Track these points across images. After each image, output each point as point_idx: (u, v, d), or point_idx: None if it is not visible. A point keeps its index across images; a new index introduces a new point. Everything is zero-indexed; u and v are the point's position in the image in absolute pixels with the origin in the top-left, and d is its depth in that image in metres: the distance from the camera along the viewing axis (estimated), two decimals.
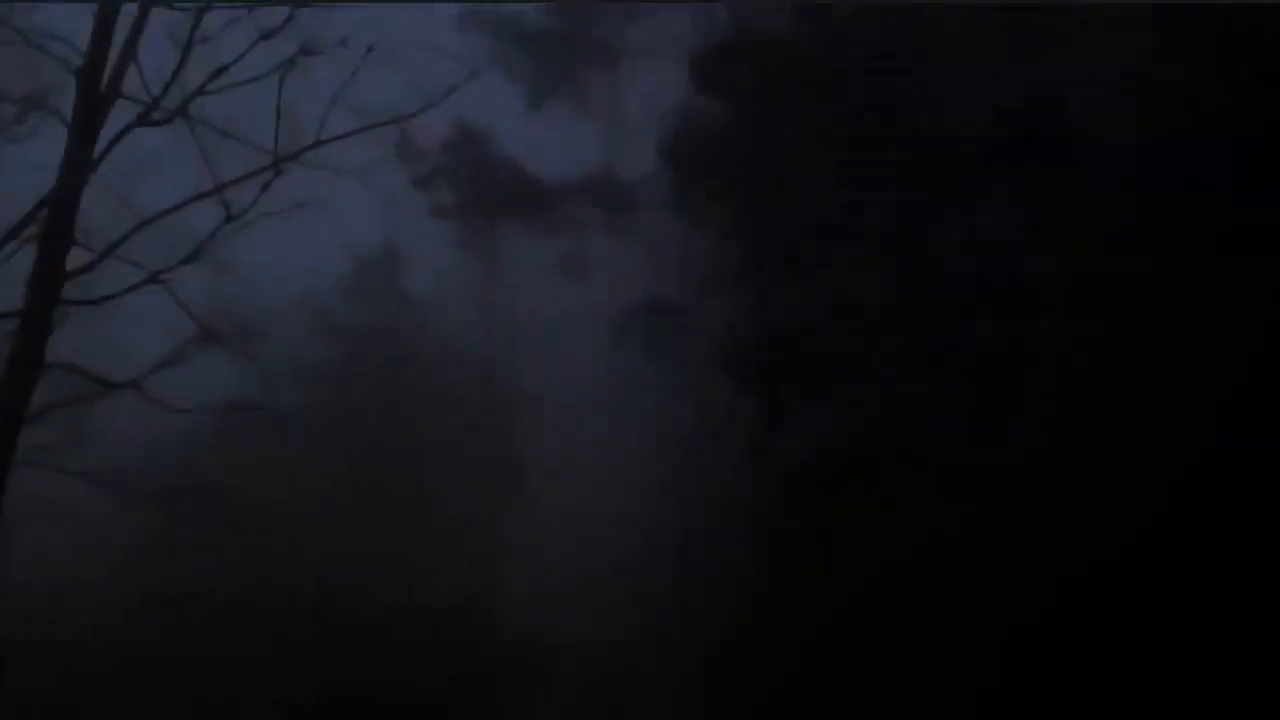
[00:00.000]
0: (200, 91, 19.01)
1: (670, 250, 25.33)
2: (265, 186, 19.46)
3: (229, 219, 19.42)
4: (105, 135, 18.62)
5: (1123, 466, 18.61)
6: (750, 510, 22.35)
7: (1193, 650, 17.73)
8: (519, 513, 25.26)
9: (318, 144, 19.67)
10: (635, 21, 26.59)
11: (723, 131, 23.26)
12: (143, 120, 18.84)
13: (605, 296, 25.69)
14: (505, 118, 27.17)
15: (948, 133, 20.63)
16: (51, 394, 19.27)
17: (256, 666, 24.19)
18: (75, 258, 18.60)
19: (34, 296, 18.02)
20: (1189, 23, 18.87)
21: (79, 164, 18.21)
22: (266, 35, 19.28)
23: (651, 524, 23.44)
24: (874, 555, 20.34)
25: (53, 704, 23.41)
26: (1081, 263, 19.62)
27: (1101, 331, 19.21)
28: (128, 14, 18.66)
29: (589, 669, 23.07)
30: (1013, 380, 19.77)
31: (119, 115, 18.82)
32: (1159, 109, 19.09)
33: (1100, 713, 18.31)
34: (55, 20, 18.92)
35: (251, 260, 22.00)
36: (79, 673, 23.86)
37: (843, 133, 21.25)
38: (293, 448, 25.77)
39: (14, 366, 17.84)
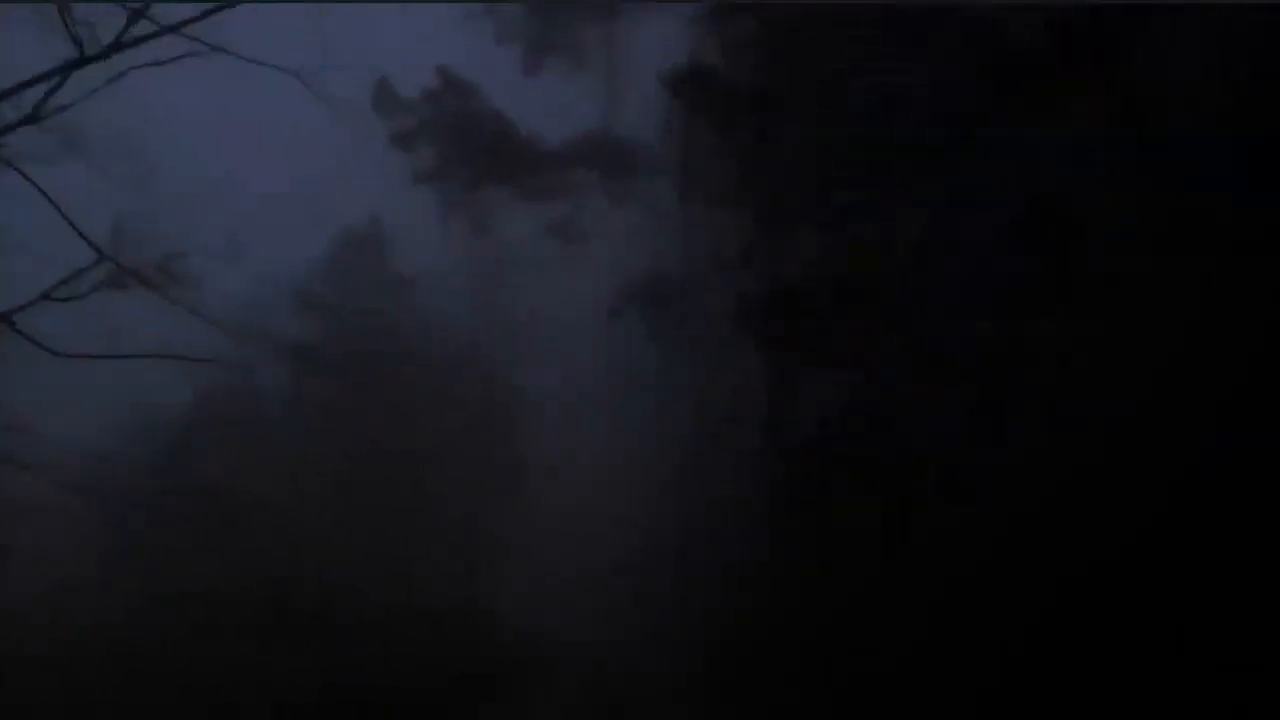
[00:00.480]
0: None
1: (674, 218, 24.44)
2: (131, 21, 17.24)
3: (83, 60, 17.16)
4: None
5: (1123, 466, 18.59)
6: (750, 510, 22.34)
7: (1193, 650, 17.71)
8: (519, 512, 25.23)
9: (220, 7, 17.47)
10: None
11: (729, 81, 22.49)
12: None
13: (604, 270, 24.80)
14: (495, 73, 25.67)
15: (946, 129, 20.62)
16: None
17: (256, 666, 24.19)
18: None
19: None
20: (1189, 23, 18.85)
21: None
22: None
23: (651, 524, 23.43)
24: (874, 555, 20.33)
25: (50, 704, 23.40)
26: (1081, 263, 19.61)
27: (1101, 331, 19.19)
28: None
29: (589, 669, 23.06)
30: (1013, 380, 19.76)
31: None
32: (1159, 109, 19.07)
33: (1100, 712, 18.30)
34: None
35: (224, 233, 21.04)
36: (76, 673, 23.85)
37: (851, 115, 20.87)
38: (269, 429, 25.49)
39: None
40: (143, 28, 17.61)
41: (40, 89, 17.57)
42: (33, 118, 17.14)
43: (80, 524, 23.84)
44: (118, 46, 17.54)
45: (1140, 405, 18.68)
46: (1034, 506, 19.28)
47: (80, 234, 17.42)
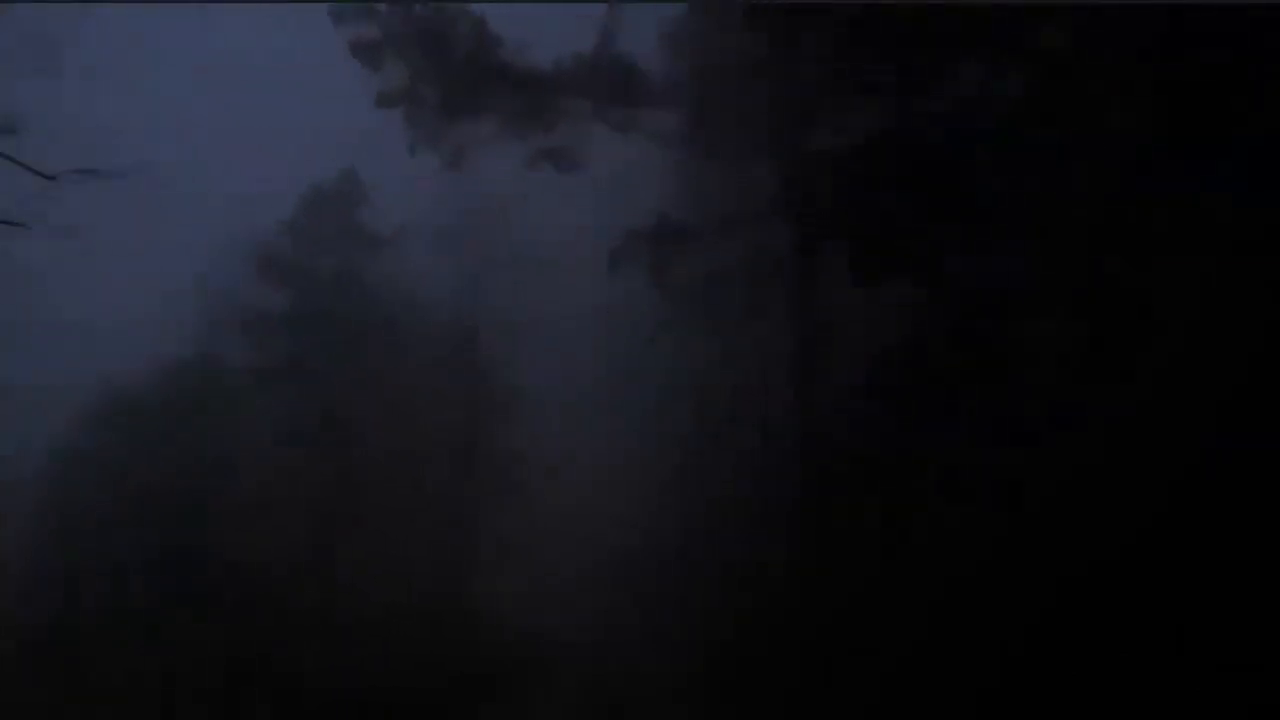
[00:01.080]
0: None
1: (680, 153, 22.05)
2: None
3: None
4: None
5: (1123, 466, 18.58)
6: (750, 510, 22.34)
7: (1193, 650, 17.71)
8: (517, 512, 25.20)
9: None
10: None
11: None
12: None
13: (603, 214, 22.71)
14: None
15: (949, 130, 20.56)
16: None
17: (257, 666, 24.20)
18: None
19: None
20: (1190, 23, 18.82)
21: None
22: None
23: (651, 524, 23.43)
24: (874, 555, 20.33)
25: (44, 701, 23.40)
26: (1083, 263, 19.59)
27: (1102, 332, 19.18)
28: None
29: (589, 669, 23.06)
30: (1013, 380, 19.74)
31: None
32: (1159, 109, 19.04)
33: (1101, 712, 18.29)
34: None
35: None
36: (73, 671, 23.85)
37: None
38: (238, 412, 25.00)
39: None
40: None
41: None
42: None
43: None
44: None
45: (1140, 405, 18.66)
46: (1034, 507, 19.27)
47: None
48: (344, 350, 26.36)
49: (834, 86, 19.86)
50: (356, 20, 21.85)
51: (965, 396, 19.95)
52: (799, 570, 21.10)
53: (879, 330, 20.52)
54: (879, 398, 20.39)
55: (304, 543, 25.09)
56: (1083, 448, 18.96)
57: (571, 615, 23.17)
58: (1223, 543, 17.64)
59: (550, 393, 25.63)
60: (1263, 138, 17.79)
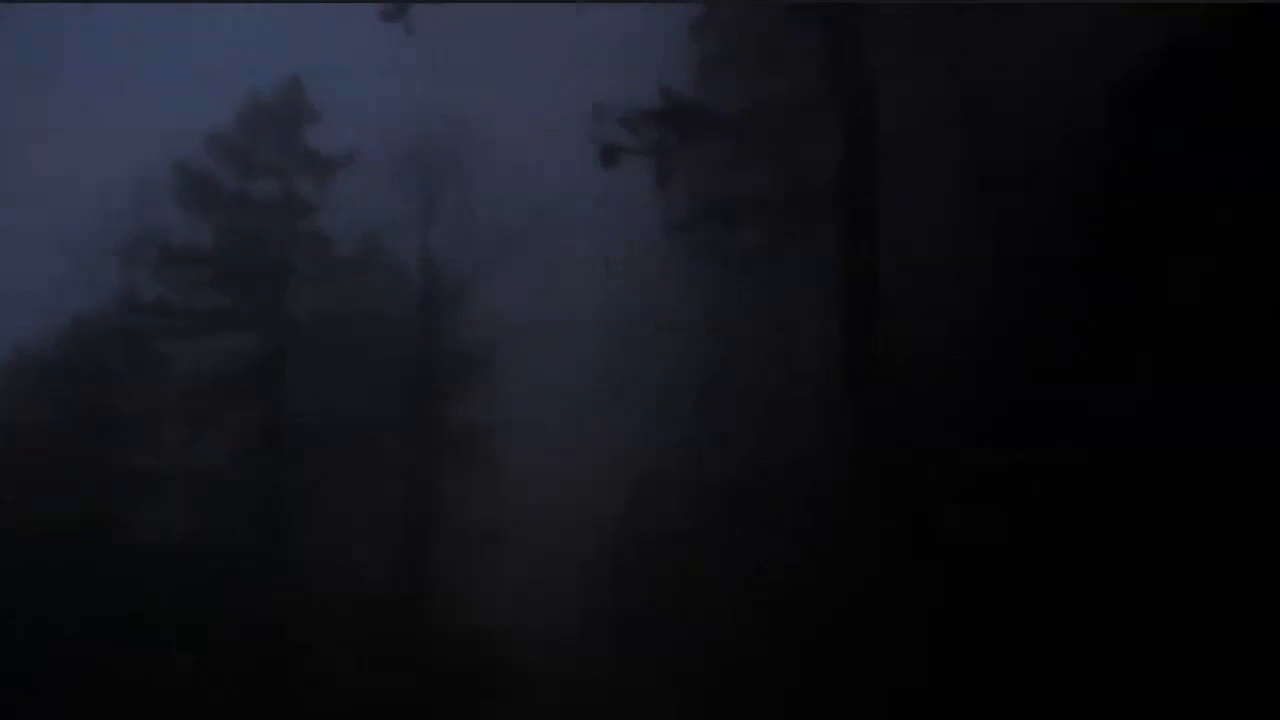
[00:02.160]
0: None
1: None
2: None
3: None
4: None
5: (1122, 466, 18.58)
6: (752, 509, 22.36)
7: (1193, 650, 17.69)
8: (517, 510, 25.21)
9: None
10: None
11: None
12: None
13: (596, 84, 18.45)
14: None
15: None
16: None
17: (256, 665, 24.24)
18: None
19: None
20: (1191, 22, 18.81)
21: None
22: None
23: (651, 524, 23.47)
24: (875, 555, 20.35)
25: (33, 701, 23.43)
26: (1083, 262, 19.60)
27: (1102, 331, 19.19)
28: None
29: (585, 669, 23.10)
30: (1012, 379, 19.76)
31: None
32: (1161, 109, 19.03)
33: (1101, 712, 18.28)
34: None
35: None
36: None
37: None
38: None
39: None
40: None
41: None
42: None
43: None
44: None
45: (1140, 405, 18.66)
46: (1034, 507, 19.28)
47: None
48: (325, 341, 25.68)
49: None
50: None
51: (965, 396, 19.97)
52: (800, 570, 21.12)
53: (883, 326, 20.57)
54: (883, 398, 20.43)
55: (306, 544, 25.12)
56: (1082, 448, 18.95)
57: (570, 615, 23.21)
58: (1223, 543, 17.62)
59: (549, 392, 25.66)
60: (1263, 138, 17.78)
